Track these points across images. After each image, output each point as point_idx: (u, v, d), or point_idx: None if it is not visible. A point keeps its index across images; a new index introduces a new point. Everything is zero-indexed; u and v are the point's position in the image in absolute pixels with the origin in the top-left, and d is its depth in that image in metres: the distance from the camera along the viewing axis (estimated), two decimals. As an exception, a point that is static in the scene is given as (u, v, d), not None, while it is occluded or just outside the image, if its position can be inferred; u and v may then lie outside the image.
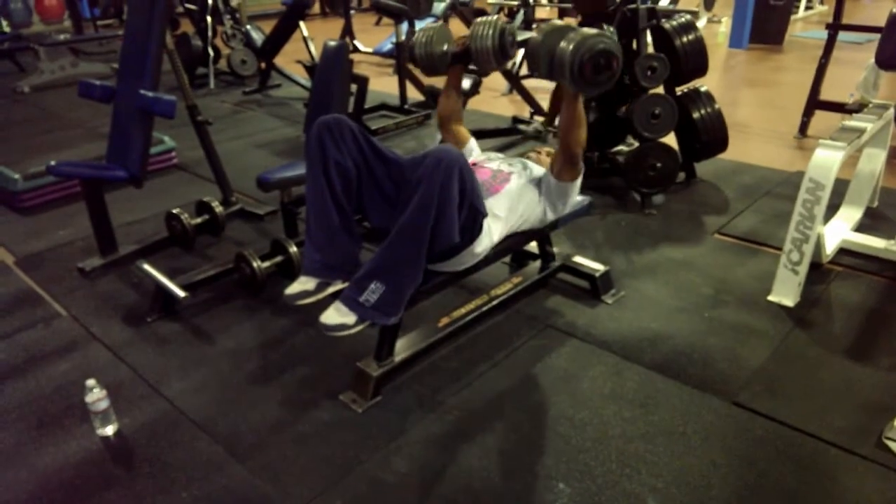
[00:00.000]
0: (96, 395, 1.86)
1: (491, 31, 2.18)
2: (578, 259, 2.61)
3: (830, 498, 1.65)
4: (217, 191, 3.30)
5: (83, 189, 2.73)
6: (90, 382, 1.87)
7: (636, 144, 3.37)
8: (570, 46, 1.81)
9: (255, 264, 2.46)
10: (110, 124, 2.80)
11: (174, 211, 2.87)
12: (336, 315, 1.87)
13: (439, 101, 2.50)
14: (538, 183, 2.27)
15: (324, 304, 1.95)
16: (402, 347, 2.09)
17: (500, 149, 4.24)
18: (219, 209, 2.93)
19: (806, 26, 8.53)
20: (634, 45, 3.28)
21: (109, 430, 1.90)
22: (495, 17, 2.23)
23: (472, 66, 2.35)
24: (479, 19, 2.24)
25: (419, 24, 6.87)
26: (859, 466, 1.74)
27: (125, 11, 7.07)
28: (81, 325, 2.44)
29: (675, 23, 3.39)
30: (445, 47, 2.31)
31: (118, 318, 2.47)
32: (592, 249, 2.84)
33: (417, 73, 5.31)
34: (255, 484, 1.72)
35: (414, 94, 5.03)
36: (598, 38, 1.83)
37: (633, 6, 3.27)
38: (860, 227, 2.95)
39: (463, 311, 2.28)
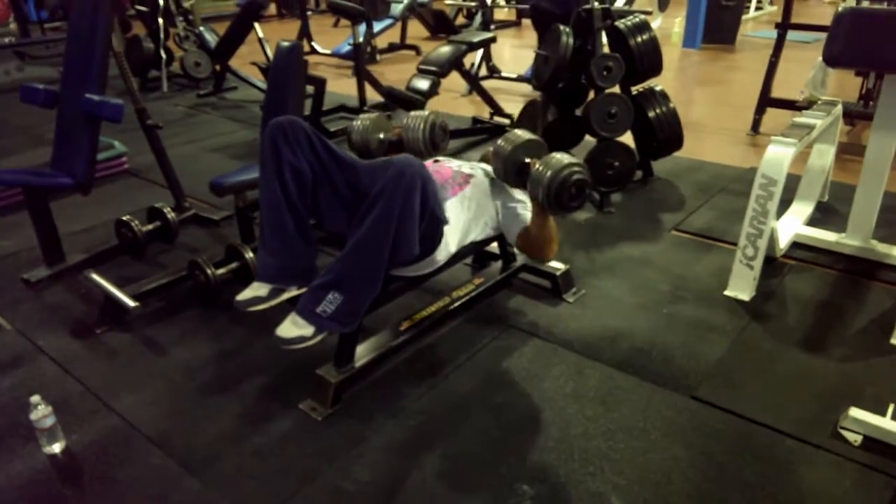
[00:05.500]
0: (41, 412, 1.78)
1: (422, 125, 2.27)
2: (539, 258, 2.62)
3: (788, 489, 1.67)
4: (169, 196, 3.20)
5: (26, 198, 2.62)
6: (34, 399, 1.79)
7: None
8: (549, 173, 1.87)
9: (209, 271, 2.40)
10: (55, 130, 2.70)
11: (124, 218, 2.79)
12: (293, 328, 1.83)
13: None
14: (497, 193, 2.23)
15: (280, 311, 1.91)
16: (363, 352, 2.05)
17: (464, 148, 4.25)
18: (171, 215, 2.86)
19: (756, 26, 8.75)
20: (590, 46, 3.30)
21: (56, 448, 1.82)
22: (427, 112, 2.29)
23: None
24: (412, 112, 2.30)
25: (377, 25, 6.86)
26: (815, 457, 1.76)
27: (73, 13, 6.82)
28: (27, 339, 2.34)
29: (629, 23, 3.42)
30: (382, 136, 2.36)
31: (66, 331, 2.38)
32: (553, 249, 2.84)
33: (377, 74, 5.30)
34: (211, 498, 1.67)
35: (373, 96, 4.99)
36: (573, 169, 1.88)
37: (588, 6, 3.29)
38: (812, 221, 3.02)
39: (424, 313, 2.25)
